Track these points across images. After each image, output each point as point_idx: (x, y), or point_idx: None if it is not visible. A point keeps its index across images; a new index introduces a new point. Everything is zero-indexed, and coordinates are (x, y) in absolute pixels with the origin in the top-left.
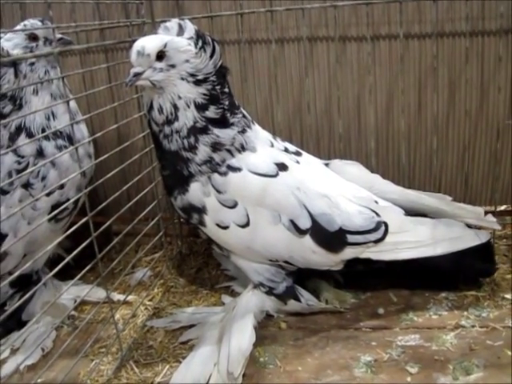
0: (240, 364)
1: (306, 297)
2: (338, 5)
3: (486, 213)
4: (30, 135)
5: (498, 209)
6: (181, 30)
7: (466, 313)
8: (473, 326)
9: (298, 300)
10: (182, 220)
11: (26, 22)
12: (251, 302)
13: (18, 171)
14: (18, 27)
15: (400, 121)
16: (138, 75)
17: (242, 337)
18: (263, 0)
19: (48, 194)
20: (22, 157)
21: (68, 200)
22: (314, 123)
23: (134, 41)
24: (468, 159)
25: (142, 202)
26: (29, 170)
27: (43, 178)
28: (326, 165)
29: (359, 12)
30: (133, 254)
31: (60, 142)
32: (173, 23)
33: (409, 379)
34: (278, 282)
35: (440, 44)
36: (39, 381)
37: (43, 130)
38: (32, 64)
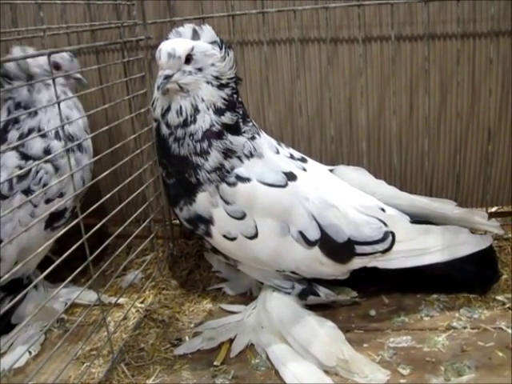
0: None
1: (324, 292)
2: (330, 6)
3: (490, 217)
4: (42, 136)
5: (489, 210)
6: (195, 35)
7: (457, 314)
8: (464, 328)
9: (317, 295)
10: (173, 222)
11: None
12: (283, 300)
13: (20, 176)
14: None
15: (392, 122)
16: (168, 78)
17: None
18: (255, 1)
19: (47, 202)
20: (26, 157)
21: (66, 209)
22: (306, 125)
23: (125, 42)
24: (459, 161)
25: (134, 204)
26: (33, 164)
27: (45, 185)
28: (331, 170)
29: (351, 14)
30: (124, 256)
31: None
32: (186, 28)
33: (401, 380)
34: (287, 287)
35: (431, 46)
36: None
37: (57, 133)
38: (48, 85)
